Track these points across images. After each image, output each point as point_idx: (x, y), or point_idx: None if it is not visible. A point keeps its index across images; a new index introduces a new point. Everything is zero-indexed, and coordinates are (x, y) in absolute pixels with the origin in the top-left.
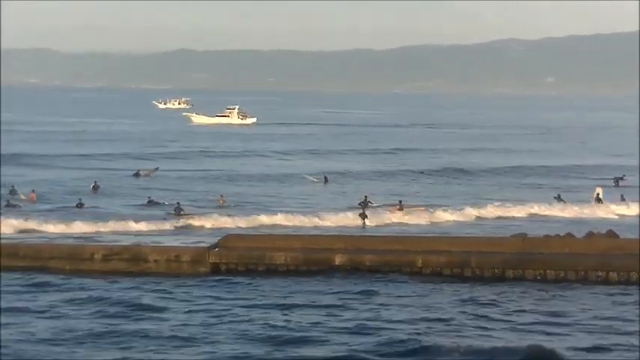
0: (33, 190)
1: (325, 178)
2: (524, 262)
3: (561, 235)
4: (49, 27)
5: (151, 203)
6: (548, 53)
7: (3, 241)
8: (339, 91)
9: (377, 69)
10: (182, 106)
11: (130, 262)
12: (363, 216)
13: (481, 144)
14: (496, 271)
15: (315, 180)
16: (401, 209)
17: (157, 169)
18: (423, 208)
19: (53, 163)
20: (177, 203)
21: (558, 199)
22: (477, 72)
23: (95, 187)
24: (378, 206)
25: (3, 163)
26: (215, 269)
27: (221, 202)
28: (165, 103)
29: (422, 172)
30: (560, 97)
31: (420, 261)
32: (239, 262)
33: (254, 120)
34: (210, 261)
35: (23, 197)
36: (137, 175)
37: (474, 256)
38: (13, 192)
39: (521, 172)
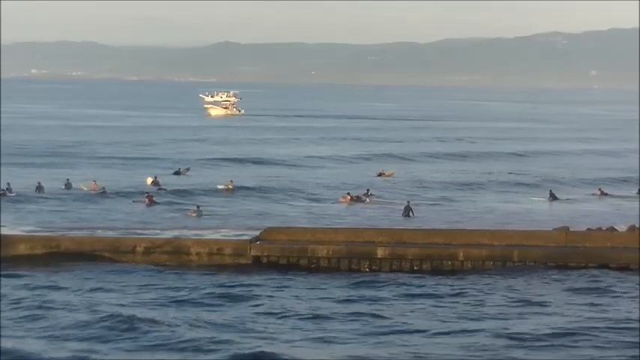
0: (94, 180)
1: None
2: (566, 256)
3: (603, 228)
4: (95, 21)
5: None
6: (591, 47)
7: (41, 234)
8: (381, 84)
9: (420, 62)
10: (231, 99)
11: (171, 255)
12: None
13: None
14: (538, 264)
15: None
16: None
17: (188, 169)
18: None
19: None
20: (197, 207)
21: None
22: (518, 65)
23: (155, 183)
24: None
25: (65, 158)
26: (257, 262)
27: (230, 186)
28: (212, 96)
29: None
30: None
31: (462, 254)
32: (281, 255)
33: (243, 112)
34: (252, 254)
35: (85, 188)
36: (177, 173)
37: (516, 250)
38: (68, 186)
39: None
